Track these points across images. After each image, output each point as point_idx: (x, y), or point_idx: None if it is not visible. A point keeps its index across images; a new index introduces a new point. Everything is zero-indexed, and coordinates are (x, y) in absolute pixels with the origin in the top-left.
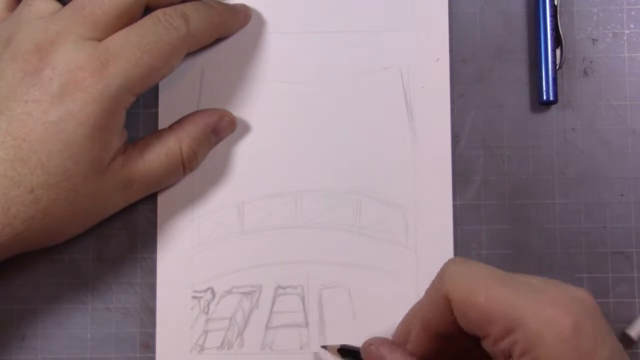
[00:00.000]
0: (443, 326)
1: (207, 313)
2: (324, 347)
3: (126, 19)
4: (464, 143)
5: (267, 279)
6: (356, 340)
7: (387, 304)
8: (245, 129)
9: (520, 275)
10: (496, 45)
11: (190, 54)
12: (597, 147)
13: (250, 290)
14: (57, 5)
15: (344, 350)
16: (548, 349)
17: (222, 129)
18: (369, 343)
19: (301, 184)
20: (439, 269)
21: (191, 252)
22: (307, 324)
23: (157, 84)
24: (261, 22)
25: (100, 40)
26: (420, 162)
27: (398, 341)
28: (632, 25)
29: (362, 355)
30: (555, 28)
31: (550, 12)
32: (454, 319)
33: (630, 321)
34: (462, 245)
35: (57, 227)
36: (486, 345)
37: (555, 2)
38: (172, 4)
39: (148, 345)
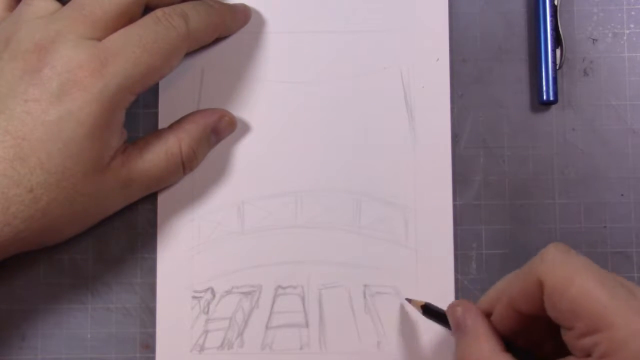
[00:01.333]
0: (530, 308)
1: (207, 313)
2: (408, 300)
3: (126, 18)
4: (464, 143)
5: (267, 279)
6: (357, 340)
7: (387, 304)
8: (245, 129)
9: (619, 277)
10: (496, 45)
11: (190, 53)
12: (597, 147)
13: (250, 290)
14: (57, 4)
15: (427, 308)
16: (631, 357)
17: (222, 129)
18: (456, 304)
19: (301, 184)
20: (439, 269)
21: (191, 252)
22: (307, 324)
23: (157, 84)
24: (261, 22)
25: (100, 39)
26: (420, 162)
27: (482, 309)
28: (632, 25)
29: (448, 315)
30: (555, 28)
31: (550, 12)
32: (542, 304)
33: None
34: (462, 245)
35: (57, 227)
36: (568, 337)
37: (555, 2)
38: (172, 3)
39: (148, 345)
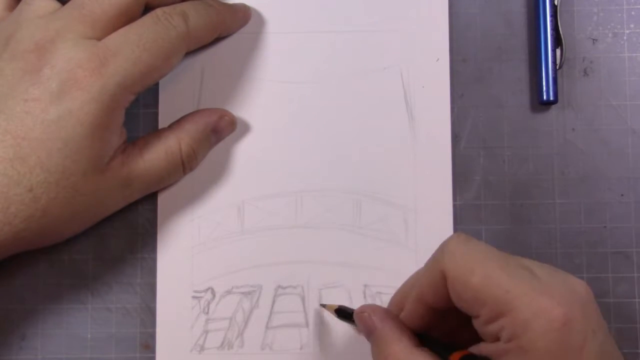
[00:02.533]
0: (438, 300)
1: (207, 313)
2: (323, 305)
3: (125, 18)
4: (464, 143)
5: (267, 279)
6: (357, 340)
7: (387, 304)
8: (245, 129)
9: (520, 259)
10: (496, 45)
11: (190, 53)
12: (597, 147)
13: (250, 290)
14: (57, 4)
15: (341, 311)
16: (535, 338)
17: (222, 129)
18: (362, 310)
19: (301, 184)
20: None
21: (191, 252)
22: (307, 324)
23: (157, 84)
24: (261, 22)
25: (99, 39)
26: (420, 162)
27: (392, 309)
28: (632, 25)
29: (355, 321)
30: (555, 28)
31: (551, 12)
32: (448, 295)
33: (630, 321)
34: None
35: (57, 226)
36: (477, 325)
37: (555, 2)
38: (172, 3)
39: (148, 345)
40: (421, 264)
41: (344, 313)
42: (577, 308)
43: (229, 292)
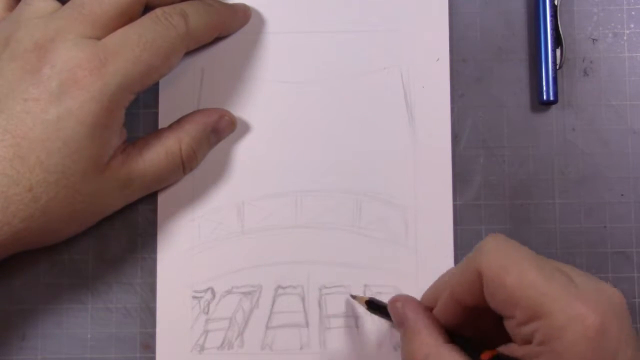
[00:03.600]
0: (471, 299)
1: (207, 313)
2: (353, 296)
3: (125, 18)
4: (464, 143)
5: (267, 279)
6: (358, 341)
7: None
8: (246, 128)
9: (556, 263)
10: (496, 45)
11: (190, 53)
12: (597, 147)
13: (250, 290)
14: (57, 4)
15: (371, 303)
16: (569, 344)
17: (222, 129)
18: (395, 299)
19: (301, 184)
20: (439, 269)
21: (191, 252)
22: (307, 324)
23: (157, 84)
24: (261, 22)
25: (99, 38)
26: (420, 162)
27: (425, 304)
28: (632, 25)
29: (389, 311)
30: (555, 28)
31: (551, 12)
32: (482, 295)
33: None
34: (462, 245)
35: (56, 226)
36: (509, 326)
37: (556, 2)
38: (172, 2)
39: (148, 345)
40: (421, 264)
41: (374, 305)
42: (612, 317)
43: (229, 292)
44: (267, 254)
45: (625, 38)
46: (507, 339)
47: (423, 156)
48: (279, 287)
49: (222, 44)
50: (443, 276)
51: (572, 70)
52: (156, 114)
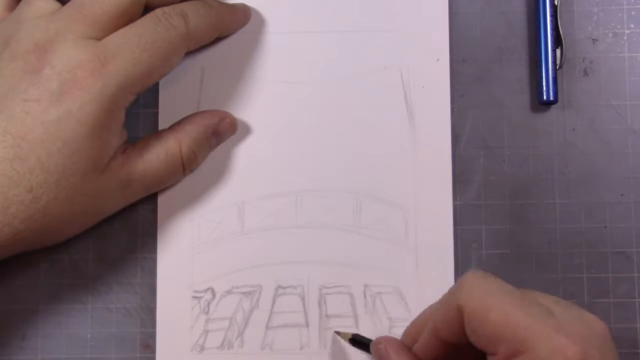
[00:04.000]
0: (453, 335)
1: (207, 313)
2: (337, 332)
3: (125, 18)
4: (464, 143)
5: (267, 279)
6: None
7: (387, 304)
8: (246, 129)
9: (535, 295)
10: (496, 45)
11: (190, 53)
12: (597, 147)
13: (250, 290)
14: (57, 4)
15: (355, 340)
16: None
17: (222, 131)
18: (378, 342)
19: (301, 184)
20: (439, 269)
21: (191, 252)
22: (307, 324)
23: (157, 84)
24: (261, 22)
25: (99, 39)
26: (420, 162)
27: (406, 341)
28: (632, 25)
29: (372, 353)
30: (555, 28)
31: (551, 12)
32: (464, 331)
33: (630, 321)
34: (462, 245)
35: (57, 227)
36: None
37: (556, 2)
38: (172, 3)
39: (148, 345)
40: (421, 264)
41: (358, 342)
42: (594, 347)
43: (229, 292)
44: (267, 254)
45: (625, 38)
46: None
47: (423, 156)
48: (279, 287)
49: (222, 44)
50: (424, 312)
51: (572, 70)
52: (156, 114)
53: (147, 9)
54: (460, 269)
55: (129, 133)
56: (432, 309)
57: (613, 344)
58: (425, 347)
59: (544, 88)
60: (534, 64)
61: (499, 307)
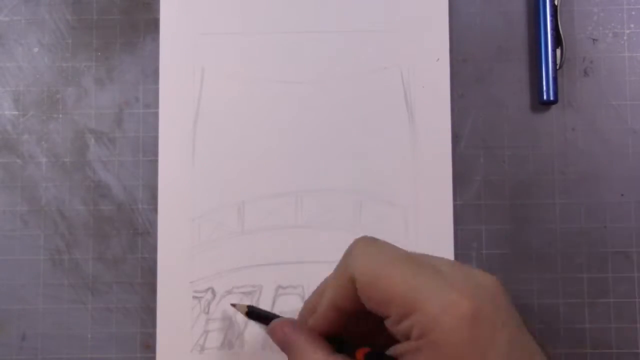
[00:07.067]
0: (349, 304)
1: (208, 313)
2: (233, 305)
3: None
4: (464, 143)
5: (267, 279)
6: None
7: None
8: (246, 129)
9: (426, 257)
10: (496, 45)
11: (190, 53)
12: (597, 147)
13: (250, 290)
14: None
15: (252, 313)
16: (445, 333)
17: None
18: (274, 325)
19: (301, 184)
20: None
21: (191, 252)
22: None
23: (157, 84)
24: (261, 22)
25: None
26: (420, 162)
27: (305, 315)
28: (632, 25)
29: (269, 334)
30: (555, 28)
31: (551, 12)
32: (359, 298)
33: (630, 321)
34: (462, 245)
35: None
36: (388, 326)
37: (556, 2)
38: None
39: (148, 345)
40: None
41: (255, 314)
42: (486, 301)
43: (229, 292)
44: (267, 254)
45: (625, 38)
46: (394, 340)
47: (423, 156)
48: (279, 287)
49: (222, 44)
50: (318, 287)
51: (572, 70)
52: (156, 114)
53: None
54: None
55: (129, 133)
56: (327, 281)
57: (507, 295)
58: (323, 320)
59: (544, 88)
60: (534, 64)
61: (388, 271)
